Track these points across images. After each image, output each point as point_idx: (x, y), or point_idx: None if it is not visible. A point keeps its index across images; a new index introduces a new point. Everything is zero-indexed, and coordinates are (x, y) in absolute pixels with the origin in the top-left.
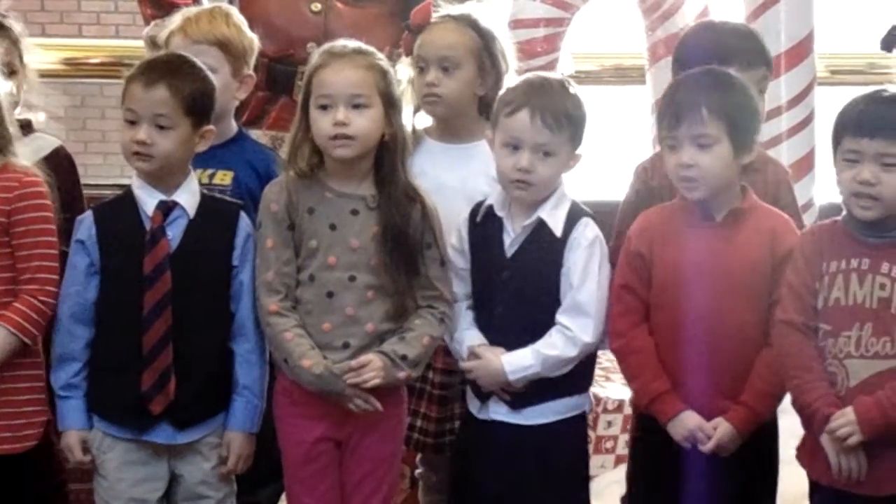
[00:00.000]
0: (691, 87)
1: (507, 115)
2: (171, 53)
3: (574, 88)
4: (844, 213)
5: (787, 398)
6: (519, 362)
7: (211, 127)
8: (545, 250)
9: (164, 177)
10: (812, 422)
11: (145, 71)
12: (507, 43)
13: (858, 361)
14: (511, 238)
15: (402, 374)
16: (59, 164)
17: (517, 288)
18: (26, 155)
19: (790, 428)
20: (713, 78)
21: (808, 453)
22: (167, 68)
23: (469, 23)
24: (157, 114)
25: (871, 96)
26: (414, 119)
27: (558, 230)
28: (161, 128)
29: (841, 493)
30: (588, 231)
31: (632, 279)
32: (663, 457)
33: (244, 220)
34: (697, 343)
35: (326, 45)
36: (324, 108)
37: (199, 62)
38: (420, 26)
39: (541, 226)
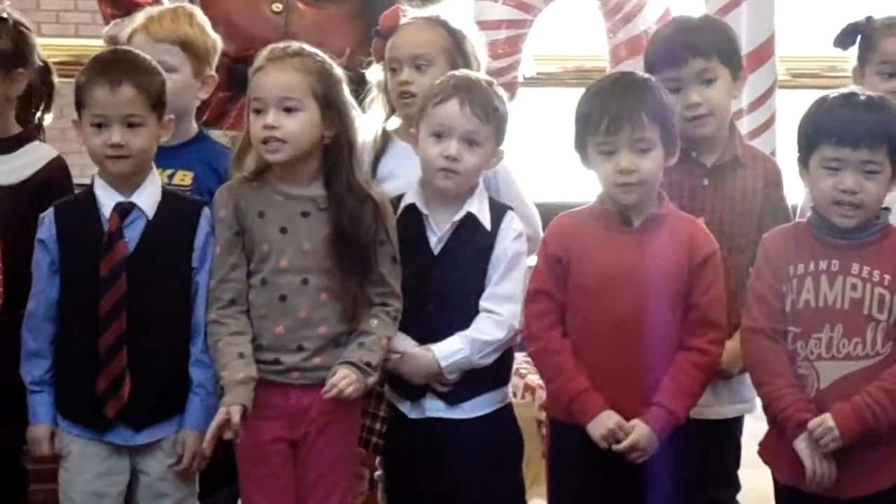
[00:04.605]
0: (624, 92)
1: (435, 104)
2: (117, 50)
3: (500, 89)
4: (810, 215)
5: (754, 402)
6: (448, 348)
7: (171, 116)
8: (475, 244)
9: (129, 176)
10: (785, 428)
11: (104, 73)
12: (477, 42)
13: (829, 363)
14: (437, 235)
15: (371, 380)
16: (54, 177)
17: (451, 283)
18: (17, 167)
19: (753, 432)
20: (643, 83)
21: (773, 454)
22: (125, 67)
23: (439, 22)
24: (128, 114)
25: (848, 101)
26: (386, 122)
27: (487, 223)
28: (132, 126)
29: (805, 495)
30: (515, 223)
31: (548, 283)
32: (577, 462)
33: (205, 220)
34: (615, 347)
35: (268, 48)
36: (257, 111)
37: (144, 54)
38: (390, 29)
39: (468, 220)
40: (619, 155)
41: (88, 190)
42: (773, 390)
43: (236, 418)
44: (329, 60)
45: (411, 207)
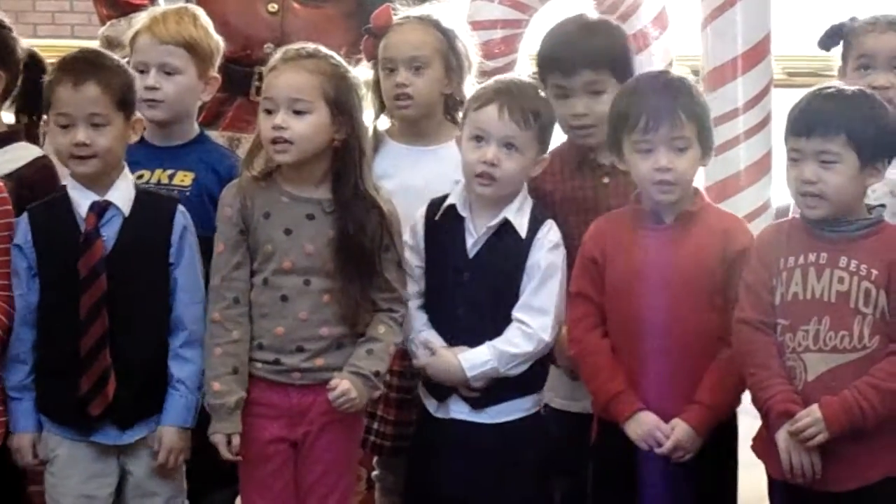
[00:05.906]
0: (661, 90)
1: (475, 109)
2: (85, 49)
3: (544, 94)
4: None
5: (747, 399)
6: (476, 358)
7: (140, 117)
8: (509, 251)
9: (100, 176)
10: (769, 418)
11: (68, 72)
12: (468, 41)
13: (816, 355)
14: (474, 238)
15: (377, 394)
16: (38, 175)
17: (479, 289)
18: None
19: (750, 430)
20: (680, 83)
21: (766, 448)
22: (90, 66)
23: (432, 22)
24: (92, 113)
25: (813, 94)
26: (375, 122)
27: (523, 231)
28: (96, 126)
29: (799, 489)
30: (552, 234)
31: (585, 285)
32: (622, 461)
33: (180, 216)
34: (654, 345)
35: (283, 49)
36: (268, 111)
37: (111, 54)
38: (382, 29)
39: (505, 226)
40: (656, 153)
41: (62, 192)
42: (759, 380)
43: (237, 450)
44: (345, 64)
45: (452, 208)
